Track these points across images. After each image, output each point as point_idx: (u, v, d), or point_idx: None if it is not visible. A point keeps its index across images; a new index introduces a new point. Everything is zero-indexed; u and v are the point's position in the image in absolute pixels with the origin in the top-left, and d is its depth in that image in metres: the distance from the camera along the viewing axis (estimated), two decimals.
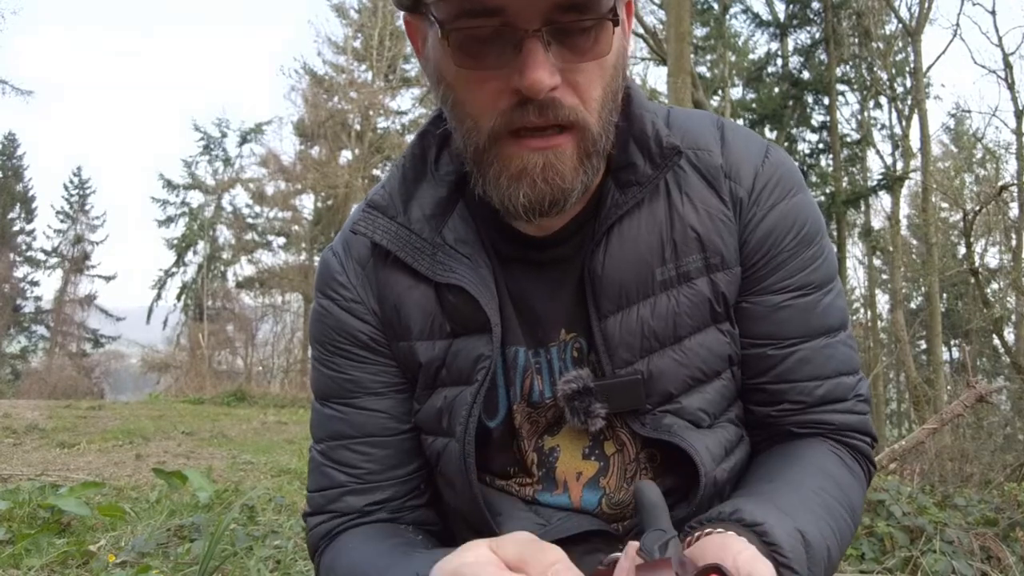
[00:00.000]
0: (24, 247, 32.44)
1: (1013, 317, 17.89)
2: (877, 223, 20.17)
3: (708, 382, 0.87)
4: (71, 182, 32.82)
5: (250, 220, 29.38)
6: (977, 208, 15.30)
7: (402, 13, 0.80)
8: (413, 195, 0.88)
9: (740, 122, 18.86)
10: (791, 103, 17.24)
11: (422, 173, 0.89)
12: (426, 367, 0.88)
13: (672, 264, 0.84)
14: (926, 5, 15.83)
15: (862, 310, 24.44)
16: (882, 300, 24.72)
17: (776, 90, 18.10)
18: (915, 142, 17.62)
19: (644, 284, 0.84)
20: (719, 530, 0.70)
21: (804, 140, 18.15)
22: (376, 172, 26.71)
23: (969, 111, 22.31)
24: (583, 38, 0.71)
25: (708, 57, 21.41)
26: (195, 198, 30.25)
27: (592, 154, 0.76)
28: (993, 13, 16.53)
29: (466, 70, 0.73)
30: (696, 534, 0.71)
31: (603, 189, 0.85)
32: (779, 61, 18.73)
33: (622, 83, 0.80)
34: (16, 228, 32.42)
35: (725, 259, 0.85)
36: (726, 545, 0.64)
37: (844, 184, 17.12)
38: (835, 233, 16.93)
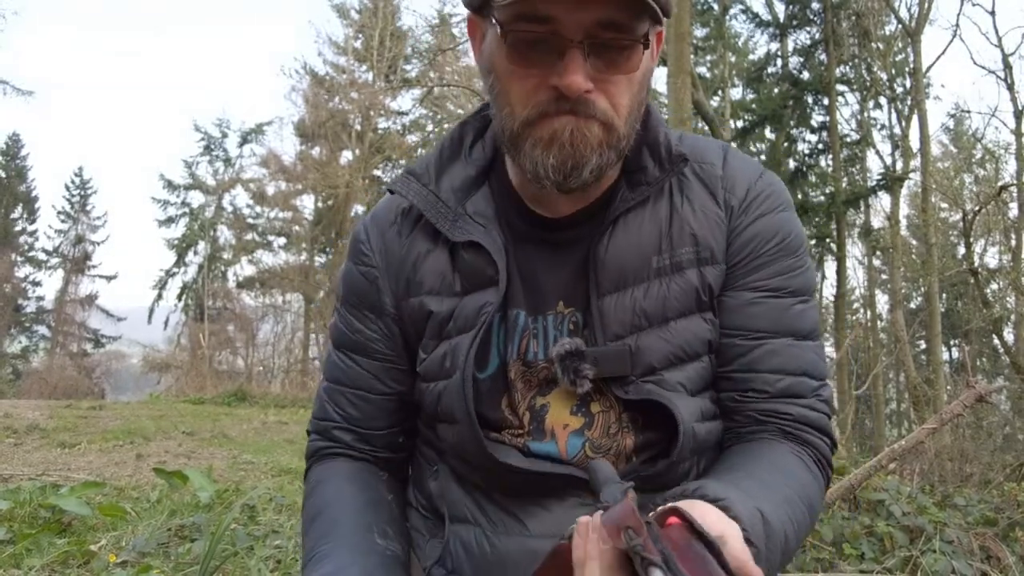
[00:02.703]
0: (26, 247, 32.44)
1: (1013, 317, 17.87)
2: (877, 223, 20.17)
3: (688, 362, 0.94)
4: (72, 182, 32.83)
5: (251, 220, 29.39)
6: (977, 208, 15.27)
7: (467, 12, 0.93)
8: (446, 170, 1.00)
9: (740, 123, 18.69)
10: (791, 103, 17.16)
11: (457, 154, 1.02)
12: (434, 317, 0.98)
13: (667, 254, 0.94)
14: (926, 5, 15.81)
15: (862, 310, 24.44)
16: (882, 300, 24.74)
17: (776, 90, 18.02)
18: (915, 142, 17.60)
19: (641, 270, 0.93)
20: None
21: (804, 140, 18.08)
22: (377, 172, 26.71)
23: (969, 111, 22.37)
24: (617, 54, 0.83)
25: (708, 57, 21.38)
26: (196, 198, 30.27)
27: (613, 146, 0.87)
28: (993, 13, 16.52)
29: (515, 66, 0.84)
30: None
31: (615, 187, 0.96)
32: (779, 61, 18.66)
33: (646, 97, 0.91)
34: (18, 228, 32.42)
35: (714, 254, 0.95)
36: (692, 505, 0.66)
37: (844, 184, 17.06)
38: (835, 233, 16.91)
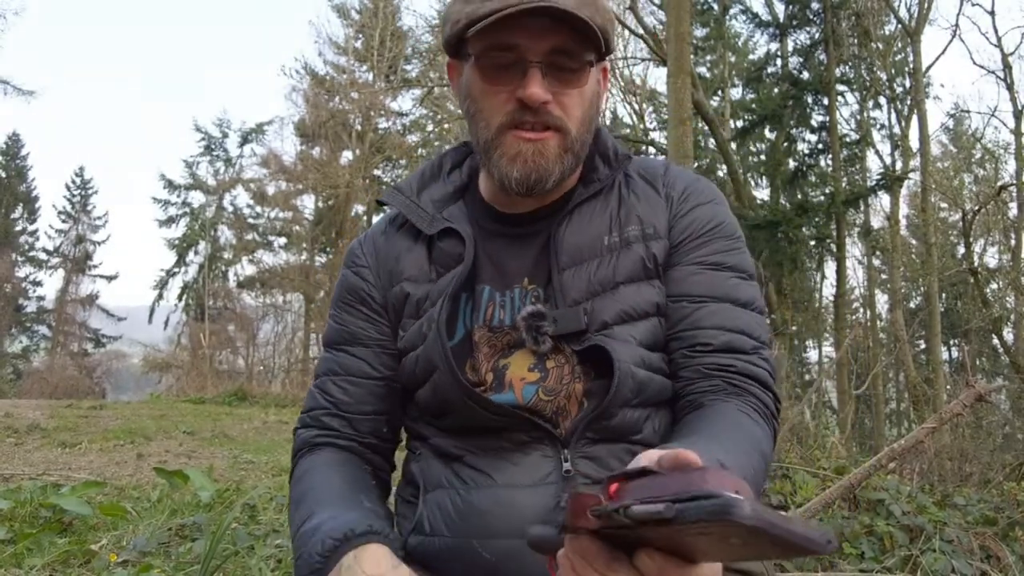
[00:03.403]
0: (26, 247, 32.46)
1: (1012, 317, 17.88)
2: (876, 223, 20.14)
3: (638, 320, 1.07)
4: (73, 182, 32.86)
5: (251, 220, 29.41)
6: (976, 208, 15.30)
7: (441, 59, 1.19)
8: (426, 187, 1.19)
9: (740, 123, 18.58)
10: (791, 103, 17.10)
11: (436, 176, 1.21)
12: (411, 299, 1.13)
13: (616, 233, 1.10)
14: (925, 5, 15.82)
15: (862, 310, 24.43)
16: (881, 300, 24.69)
17: (776, 90, 17.97)
18: (914, 142, 17.62)
19: (594, 247, 1.09)
20: None
21: (804, 140, 18.00)
22: (377, 172, 26.69)
23: (968, 111, 22.34)
24: (569, 74, 1.02)
25: (708, 57, 21.37)
26: (196, 198, 30.30)
27: (569, 151, 1.05)
28: (992, 13, 16.58)
29: (487, 84, 1.03)
30: None
31: (572, 189, 1.14)
32: (779, 61, 18.60)
33: (596, 114, 1.09)
34: (19, 228, 32.43)
35: (657, 231, 1.11)
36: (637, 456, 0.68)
37: (844, 184, 16.99)
38: (835, 233, 16.88)
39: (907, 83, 18.24)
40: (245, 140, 29.50)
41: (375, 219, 25.76)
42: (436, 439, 1.10)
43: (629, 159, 1.15)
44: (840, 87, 17.41)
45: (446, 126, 22.49)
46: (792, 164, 17.72)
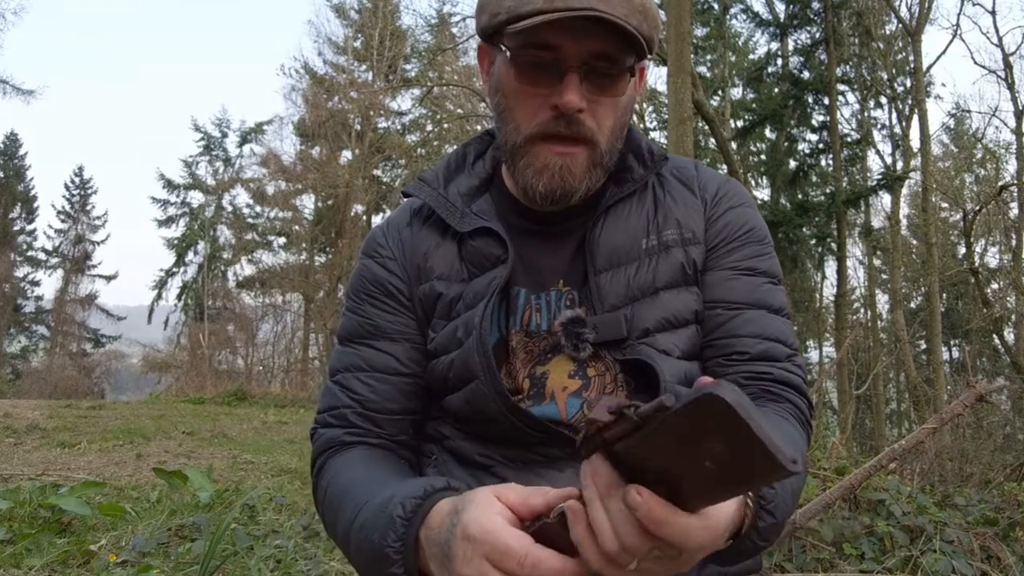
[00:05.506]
0: (25, 247, 32.46)
1: (1013, 317, 17.88)
2: (877, 223, 20.15)
3: (679, 328, 1.05)
4: (72, 182, 32.86)
5: (250, 220, 29.38)
6: (977, 208, 15.31)
7: (475, 42, 1.06)
8: (452, 179, 1.14)
9: (740, 123, 18.55)
10: (791, 103, 17.13)
11: (462, 168, 1.16)
12: (443, 299, 1.08)
13: (655, 236, 1.07)
14: (926, 5, 15.82)
15: (862, 310, 24.42)
16: (882, 300, 24.67)
17: (776, 90, 17.98)
18: (915, 142, 17.63)
19: (632, 250, 1.06)
20: None
21: (804, 140, 18.04)
22: (376, 172, 26.68)
23: (969, 111, 22.26)
24: (607, 81, 0.98)
25: (708, 57, 21.36)
26: (195, 198, 30.28)
27: (598, 165, 1.02)
28: (993, 13, 16.58)
29: (522, 85, 0.99)
30: None
31: (603, 187, 1.09)
32: (779, 61, 18.63)
33: (628, 120, 1.06)
34: (17, 228, 32.43)
35: (696, 235, 1.09)
36: None
37: (844, 184, 17.02)
38: (836, 233, 16.88)
39: (908, 83, 18.25)
40: (244, 140, 29.50)
41: (375, 219, 25.84)
42: (457, 443, 1.06)
43: (666, 160, 1.12)
44: (841, 87, 17.44)
45: (446, 126, 22.48)
46: (792, 164, 17.74)
